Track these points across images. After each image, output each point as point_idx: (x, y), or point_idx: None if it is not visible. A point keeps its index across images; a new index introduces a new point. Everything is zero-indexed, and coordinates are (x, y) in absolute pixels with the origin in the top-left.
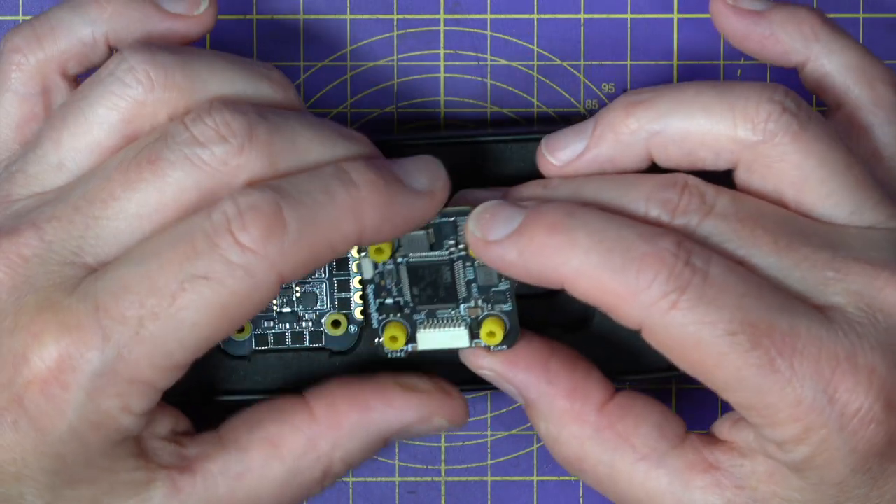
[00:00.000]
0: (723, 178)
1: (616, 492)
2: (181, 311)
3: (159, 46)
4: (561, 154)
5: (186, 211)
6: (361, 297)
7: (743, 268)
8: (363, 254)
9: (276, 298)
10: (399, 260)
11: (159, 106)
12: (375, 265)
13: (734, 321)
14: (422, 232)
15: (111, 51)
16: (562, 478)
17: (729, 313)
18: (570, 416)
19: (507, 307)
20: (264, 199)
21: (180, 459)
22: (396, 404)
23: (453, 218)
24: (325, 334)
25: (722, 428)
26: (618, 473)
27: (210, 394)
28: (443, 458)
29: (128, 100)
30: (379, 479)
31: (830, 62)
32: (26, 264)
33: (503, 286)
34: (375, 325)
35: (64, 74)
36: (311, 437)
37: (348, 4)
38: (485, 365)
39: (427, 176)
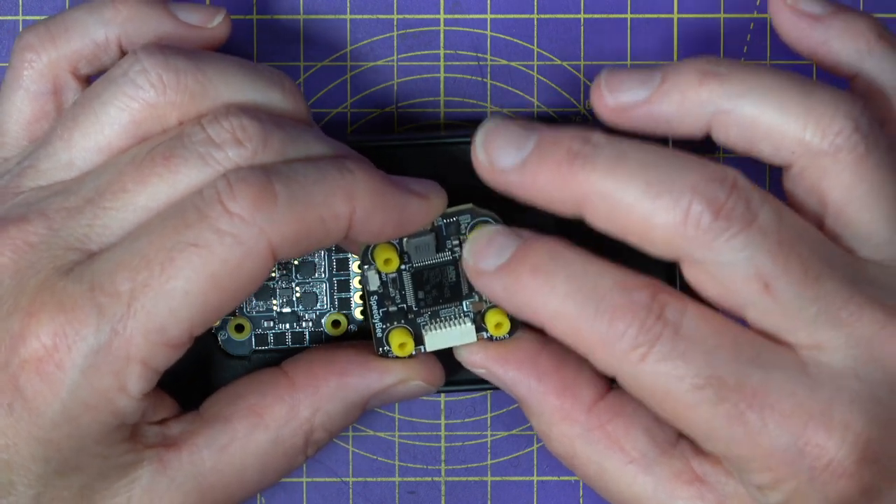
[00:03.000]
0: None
1: (605, 490)
2: (171, 280)
3: (172, 49)
4: (620, 95)
5: None
6: (361, 297)
7: (720, 317)
8: (367, 266)
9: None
10: (402, 268)
11: (170, 109)
12: (380, 277)
13: (701, 375)
14: (427, 237)
15: (122, 53)
16: (562, 478)
17: (696, 367)
18: (560, 414)
19: None
20: (255, 174)
21: (165, 438)
22: (374, 368)
23: (455, 218)
24: (325, 334)
25: None
26: (607, 474)
27: (210, 393)
28: (443, 458)
29: (139, 102)
30: (379, 479)
31: (881, 80)
32: (32, 250)
33: None
34: (380, 335)
35: (75, 74)
36: (292, 404)
37: (348, 4)
38: (478, 362)
39: (424, 185)
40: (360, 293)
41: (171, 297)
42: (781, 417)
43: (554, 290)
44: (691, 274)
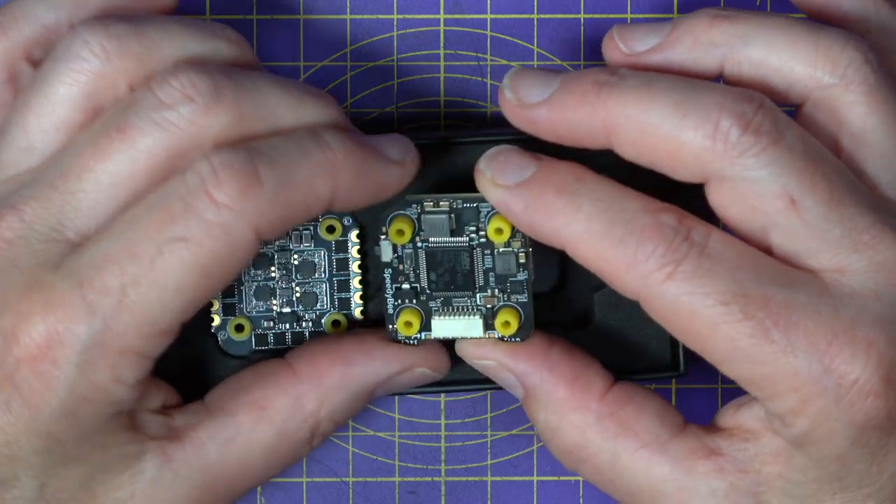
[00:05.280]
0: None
1: (617, 481)
2: (161, 274)
3: (112, 17)
4: (633, 43)
5: (160, 174)
6: (362, 298)
7: (743, 243)
8: (383, 237)
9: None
10: (419, 244)
11: (118, 76)
12: (394, 248)
13: (727, 292)
14: (443, 216)
15: None
16: (562, 478)
17: (723, 284)
18: (571, 404)
19: (524, 298)
20: (238, 157)
21: (169, 430)
22: (378, 356)
23: (475, 204)
24: (325, 334)
25: (724, 416)
26: (620, 462)
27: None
28: (443, 458)
29: (86, 74)
30: (379, 479)
31: (883, 38)
32: (10, 247)
33: (521, 276)
34: (391, 311)
35: (30, 60)
36: (297, 396)
37: (348, 4)
38: (487, 354)
39: (399, 148)
40: (360, 294)
41: (163, 292)
42: (806, 335)
43: (579, 211)
44: (717, 195)
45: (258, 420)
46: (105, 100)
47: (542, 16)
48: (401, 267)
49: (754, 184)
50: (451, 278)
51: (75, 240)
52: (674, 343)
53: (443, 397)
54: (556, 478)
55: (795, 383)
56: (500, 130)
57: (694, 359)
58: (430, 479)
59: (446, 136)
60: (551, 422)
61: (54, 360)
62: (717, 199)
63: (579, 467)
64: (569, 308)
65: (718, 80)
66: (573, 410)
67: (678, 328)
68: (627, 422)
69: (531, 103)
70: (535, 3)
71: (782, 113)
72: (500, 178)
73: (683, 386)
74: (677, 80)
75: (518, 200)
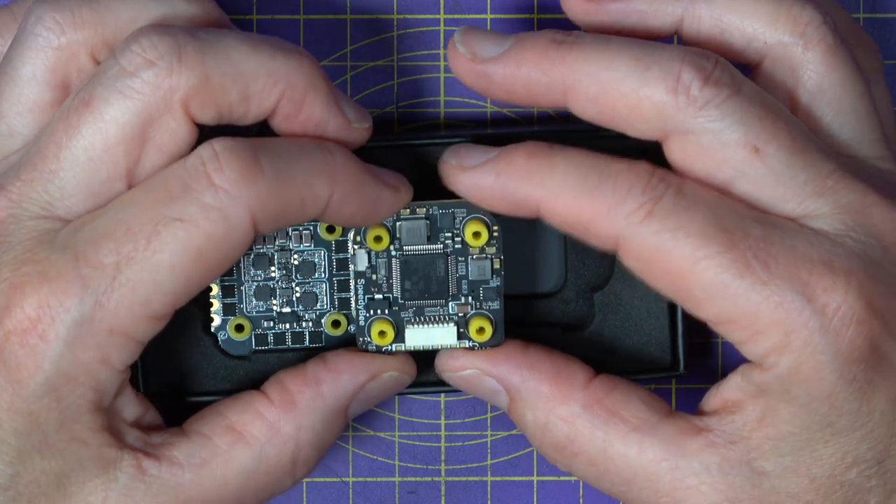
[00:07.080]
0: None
1: (611, 470)
2: (157, 254)
3: None
4: None
5: (136, 143)
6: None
7: (714, 190)
8: (358, 245)
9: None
10: (393, 253)
11: (77, 47)
12: (370, 257)
13: (708, 225)
14: (420, 222)
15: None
16: (561, 478)
17: (703, 217)
18: (557, 398)
19: (496, 305)
20: (240, 144)
21: (146, 444)
22: (344, 370)
23: (451, 210)
24: (325, 334)
25: (707, 401)
26: (612, 448)
27: (209, 394)
28: (443, 458)
29: (45, 50)
30: (379, 479)
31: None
32: (1, 225)
33: (494, 283)
34: (362, 323)
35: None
36: (273, 421)
37: (348, 4)
38: (466, 364)
39: (394, 177)
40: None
41: (157, 271)
42: (786, 266)
43: (554, 168)
44: (678, 151)
45: (234, 443)
46: (69, 72)
47: (542, 16)
48: (374, 277)
49: (717, 134)
50: (425, 286)
51: (68, 218)
52: (674, 343)
53: (443, 397)
54: (556, 478)
55: (779, 315)
56: (499, 130)
57: (694, 359)
58: (430, 479)
59: (446, 136)
60: (539, 419)
61: (43, 334)
62: (679, 155)
63: (572, 462)
64: (568, 309)
65: (675, 38)
66: (560, 403)
67: (659, 269)
68: (615, 408)
69: (486, 58)
70: (535, 3)
71: (737, 70)
72: (466, 161)
73: (683, 386)
74: (634, 39)
75: (488, 173)
